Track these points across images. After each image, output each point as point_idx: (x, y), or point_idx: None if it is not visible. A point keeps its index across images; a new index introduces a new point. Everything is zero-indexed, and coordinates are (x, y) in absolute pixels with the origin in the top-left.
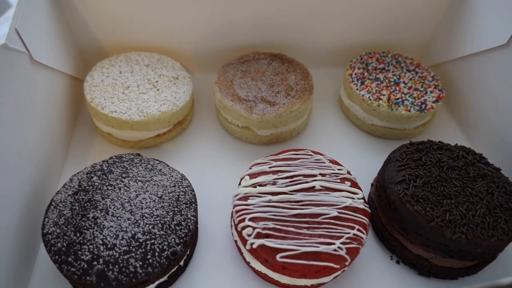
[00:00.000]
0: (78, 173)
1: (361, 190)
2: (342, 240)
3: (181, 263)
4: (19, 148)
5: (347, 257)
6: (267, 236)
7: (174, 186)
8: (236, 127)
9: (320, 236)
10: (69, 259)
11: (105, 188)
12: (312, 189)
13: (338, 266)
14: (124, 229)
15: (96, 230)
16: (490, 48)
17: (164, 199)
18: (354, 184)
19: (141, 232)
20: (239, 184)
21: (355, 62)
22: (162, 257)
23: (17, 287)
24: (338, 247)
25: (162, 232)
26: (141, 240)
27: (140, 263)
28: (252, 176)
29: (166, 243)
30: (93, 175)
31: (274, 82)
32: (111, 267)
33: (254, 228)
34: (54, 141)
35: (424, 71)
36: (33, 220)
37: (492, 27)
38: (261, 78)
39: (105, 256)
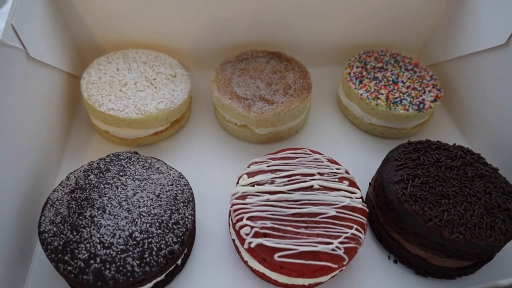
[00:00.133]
0: (75, 171)
1: (359, 189)
2: (340, 239)
3: (179, 262)
4: (15, 146)
5: (345, 256)
6: (265, 235)
7: (172, 184)
8: (234, 126)
9: (318, 235)
10: (66, 257)
11: (102, 186)
12: (310, 188)
13: (336, 266)
14: (121, 227)
15: (93, 229)
16: (488, 48)
17: (161, 197)
18: (352, 184)
19: (139, 230)
20: (237, 183)
21: (354, 61)
22: (160, 256)
23: (14, 285)
24: (336, 247)
25: (159, 231)
26: (138, 239)
27: (138, 262)
28: (250, 175)
29: (163, 242)
30: (90, 173)
31: (273, 81)
32: (108, 266)
33: (252, 227)
34: (50, 139)
35: (422, 71)
36: (30, 218)
37: (490, 27)
38: (259, 76)
39: (102, 255)
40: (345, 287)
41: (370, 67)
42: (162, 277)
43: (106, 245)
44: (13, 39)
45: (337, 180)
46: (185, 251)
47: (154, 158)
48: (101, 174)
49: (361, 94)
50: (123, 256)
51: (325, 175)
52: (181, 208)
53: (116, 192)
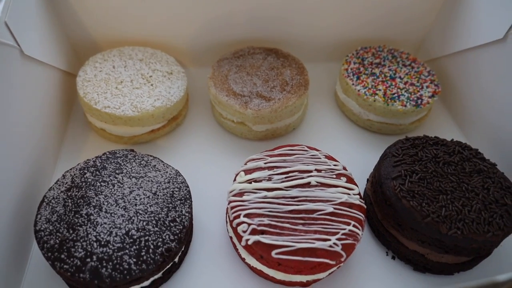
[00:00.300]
0: (71, 169)
1: (356, 185)
2: (338, 236)
3: (176, 259)
4: (10, 144)
5: (343, 253)
6: (262, 232)
7: (169, 182)
8: (231, 123)
9: (315, 232)
10: (62, 256)
11: (98, 184)
12: (307, 185)
13: (333, 262)
14: (118, 225)
15: (90, 227)
16: (486, 42)
17: (158, 195)
18: (350, 180)
19: (135, 228)
20: (234, 180)
21: (351, 57)
22: (157, 254)
23: (10, 284)
24: (334, 243)
25: (156, 229)
26: (135, 237)
27: (134, 260)
28: (247, 172)
29: (160, 239)
30: (86, 171)
31: (270, 77)
32: (104, 264)
33: (249, 224)
34: (46, 137)
35: (420, 66)
36: (26, 217)
37: (488, 21)
38: (256, 73)
39: (98, 253)
40: (343, 283)
41: (368, 63)
42: (159, 275)
43: (102, 243)
44: (7, 36)
45: (334, 176)
46: (182, 249)
47: (151, 156)
48: (97, 172)
49: (358, 90)
50: (119, 254)
51: (322, 171)
52: (178, 205)
53: (113, 190)
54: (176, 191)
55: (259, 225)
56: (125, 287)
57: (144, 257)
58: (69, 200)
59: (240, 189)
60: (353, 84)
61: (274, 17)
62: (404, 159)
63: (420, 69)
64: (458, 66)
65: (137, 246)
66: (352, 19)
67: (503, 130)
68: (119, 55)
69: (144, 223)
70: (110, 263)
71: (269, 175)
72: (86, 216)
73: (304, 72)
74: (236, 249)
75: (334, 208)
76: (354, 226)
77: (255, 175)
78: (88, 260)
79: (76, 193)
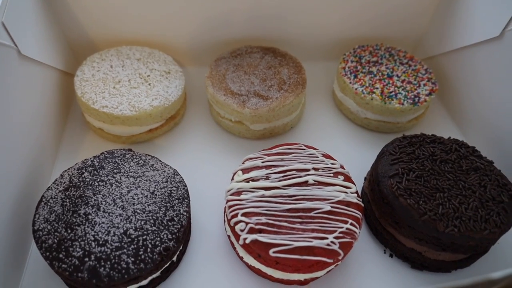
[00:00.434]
0: (69, 169)
1: (354, 184)
2: (335, 234)
3: (174, 258)
4: (8, 144)
5: (340, 251)
6: (260, 231)
7: (167, 181)
8: (229, 122)
9: (313, 230)
10: (60, 255)
11: (96, 184)
12: (305, 183)
13: (331, 261)
14: (116, 225)
15: (88, 226)
16: (482, 40)
17: (156, 194)
18: (347, 178)
19: (133, 228)
20: (232, 179)
21: (348, 56)
22: (155, 253)
23: (9, 283)
24: (331, 242)
25: (154, 228)
26: (133, 236)
27: (132, 259)
28: (245, 171)
29: (158, 239)
30: (84, 171)
31: (267, 76)
32: (103, 264)
33: (247, 223)
34: (44, 137)
35: (417, 64)
36: (24, 216)
37: (484, 19)
38: (253, 72)
39: (96, 253)
40: (341, 281)
41: (365, 62)
42: (158, 274)
43: (100, 242)
44: (4, 36)
45: (332, 175)
46: (181, 248)
47: (149, 155)
48: (95, 172)
49: (356, 89)
50: (117, 253)
51: (320, 170)
52: (176, 205)
53: (111, 189)
54: (174, 190)
55: (256, 224)
56: (123, 286)
57: (142, 256)
58: (67, 200)
59: (237, 188)
60: (350, 82)
61: (272, 16)
62: (401, 157)
63: (417, 67)
64: (455, 64)
65: (135, 245)
66: (349, 17)
67: (500, 127)
68: (117, 54)
69: (142, 223)
70: (108, 263)
71: (267, 174)
72: (84, 216)
73: (302, 71)
74: (234, 248)
75: (332, 207)
76: (351, 224)
77: (252, 174)
78: (86, 259)
79: (74, 193)
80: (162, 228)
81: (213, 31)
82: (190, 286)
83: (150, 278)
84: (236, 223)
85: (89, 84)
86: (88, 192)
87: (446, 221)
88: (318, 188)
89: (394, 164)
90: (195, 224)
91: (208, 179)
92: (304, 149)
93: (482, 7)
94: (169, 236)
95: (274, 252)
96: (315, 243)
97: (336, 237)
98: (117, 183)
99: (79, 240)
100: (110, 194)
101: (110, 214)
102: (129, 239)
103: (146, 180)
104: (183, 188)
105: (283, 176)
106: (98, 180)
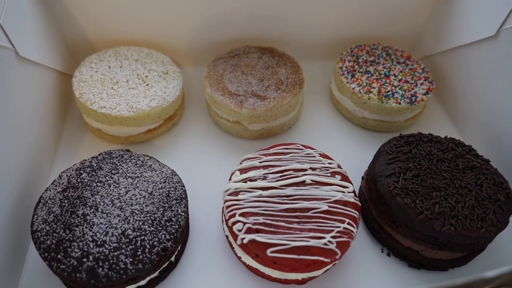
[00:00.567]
0: (67, 169)
1: (351, 183)
2: (333, 234)
3: (172, 258)
4: (6, 146)
5: (338, 251)
6: (257, 231)
7: (164, 182)
8: (226, 122)
9: (310, 230)
10: (59, 256)
11: (94, 184)
12: (302, 183)
13: (328, 260)
14: (114, 225)
15: (86, 227)
16: (479, 39)
17: (154, 195)
18: (345, 178)
19: (131, 228)
20: (230, 179)
21: (346, 55)
22: (153, 253)
23: (8, 284)
24: (329, 241)
25: (152, 228)
26: (131, 237)
27: (130, 259)
28: (242, 171)
29: (156, 239)
30: (82, 172)
31: (265, 76)
32: (101, 264)
33: (244, 223)
34: (42, 138)
35: (414, 63)
36: (23, 217)
37: (480, 18)
38: (251, 72)
39: (95, 253)
40: (339, 280)
41: (362, 61)
42: (156, 274)
43: (99, 243)
44: (2, 38)
45: (329, 174)
46: (179, 248)
47: (147, 156)
48: (93, 173)
49: (353, 88)
50: (116, 254)
51: (317, 170)
52: (174, 205)
53: (109, 190)
54: (172, 191)
55: (254, 223)
56: (121, 287)
57: (140, 257)
58: (66, 201)
59: (235, 188)
60: (347, 82)
61: (269, 16)
62: (398, 156)
63: (414, 67)
64: (452, 63)
65: (133, 246)
66: (346, 17)
67: (497, 126)
68: (115, 55)
69: (140, 223)
70: (107, 263)
71: (264, 174)
72: (82, 217)
73: (299, 71)
74: (232, 248)
75: (329, 206)
76: (348, 224)
77: (250, 174)
78: (85, 260)
79: (73, 194)
80: (160, 228)
81: (211, 32)
82: (188, 286)
83: (148, 278)
84: (234, 223)
85: (87, 85)
86: (86, 193)
87: (443, 220)
88: (315, 188)
89: (391, 163)
90: (193, 224)
91: (206, 179)
92: (302, 149)
93: (477, 7)
94: (167, 237)
95: (271, 252)
96: (313, 242)
97: (333, 237)
98: (115, 184)
99: (78, 240)
100: (108, 194)
101: (108, 215)
102: (127, 240)
103: (144, 181)
104: (181, 189)
105: (280, 176)
106: (96, 181)
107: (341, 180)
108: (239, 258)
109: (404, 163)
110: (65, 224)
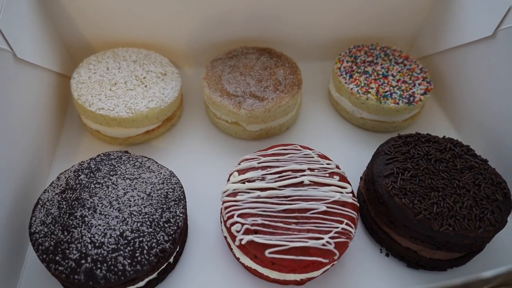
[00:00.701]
0: (65, 171)
1: (349, 184)
2: (331, 234)
3: (171, 260)
4: (4, 147)
5: (336, 251)
6: (255, 232)
7: (163, 183)
8: (225, 123)
9: (308, 231)
10: (57, 258)
11: (92, 186)
12: (300, 184)
13: (327, 261)
14: (112, 227)
15: (84, 229)
16: (476, 39)
17: (152, 196)
18: (343, 178)
19: (130, 230)
20: (228, 180)
21: (344, 56)
22: (151, 255)
23: (6, 286)
24: (327, 242)
25: (150, 230)
26: (129, 238)
27: (129, 261)
28: (240, 172)
29: (154, 240)
30: (80, 173)
31: (263, 77)
32: (99, 266)
33: (242, 224)
34: (41, 139)
35: (412, 64)
36: (21, 219)
37: (478, 19)
38: (249, 73)
39: (93, 255)
40: (337, 281)
41: (360, 61)
42: (155, 275)
43: (97, 244)
44: None
45: (327, 175)
46: (177, 249)
47: (145, 157)
48: (91, 174)
49: (351, 89)
50: (114, 255)
51: (315, 170)
52: (172, 206)
53: (107, 191)
54: (170, 192)
55: (252, 224)
56: None
57: (139, 258)
58: (64, 202)
59: (233, 189)
60: (346, 82)
61: (267, 16)
62: (396, 156)
63: (413, 67)
64: (450, 63)
65: (132, 247)
66: (344, 17)
67: (495, 126)
68: (113, 56)
69: (139, 224)
70: (105, 265)
71: (263, 175)
72: (80, 218)
73: (297, 72)
74: (231, 249)
75: (327, 207)
76: (347, 224)
77: (248, 175)
78: (83, 261)
79: (71, 195)
80: (159, 229)
81: (209, 32)
82: (187, 287)
83: (147, 279)
84: (232, 224)
85: (85, 86)
86: (84, 194)
87: (441, 220)
88: (313, 189)
89: (389, 163)
90: (191, 225)
91: (204, 180)
92: (300, 150)
93: (475, 7)
94: (166, 238)
95: (269, 253)
96: (311, 243)
97: (331, 237)
98: (113, 185)
99: (76, 242)
100: (107, 196)
101: (107, 216)
102: (126, 241)
103: (143, 182)
104: (180, 190)
105: (278, 177)
106: (95, 182)
107: (339, 180)
108: (238, 259)
109: (402, 163)
110: (63, 225)
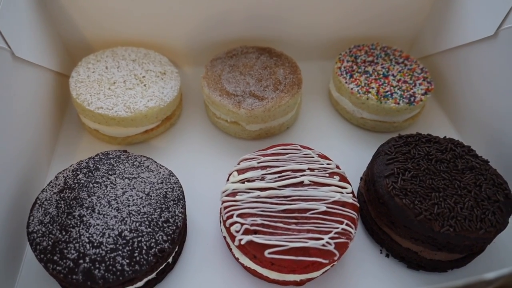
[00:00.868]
0: (63, 170)
1: (350, 184)
2: (331, 235)
3: (170, 260)
4: (2, 146)
5: (336, 252)
6: (255, 232)
7: (162, 182)
8: (224, 122)
9: (308, 231)
10: (55, 257)
11: (91, 185)
12: (300, 184)
13: (326, 261)
14: (111, 227)
15: (82, 228)
16: (477, 39)
17: (151, 196)
18: (343, 178)
19: (128, 229)
20: (227, 180)
21: (344, 55)
22: (150, 255)
23: (4, 286)
24: (327, 242)
25: (149, 230)
26: (128, 238)
27: (127, 261)
28: (240, 171)
29: (153, 240)
30: (79, 173)
31: (263, 76)
32: (97, 266)
33: (242, 224)
34: (39, 139)
35: (413, 63)
36: (19, 218)
37: (479, 18)
38: (249, 72)
39: (91, 255)
40: (337, 282)
41: (361, 61)
42: (153, 275)
43: (95, 244)
44: None
45: (327, 175)
46: (176, 249)
47: (144, 157)
48: (90, 173)
49: (351, 89)
50: (112, 255)
51: (315, 170)
52: (171, 206)
53: (105, 191)
54: (169, 192)
55: (252, 225)
56: None
57: (137, 258)
58: (62, 202)
59: (233, 189)
60: (346, 82)
61: (268, 16)
62: (397, 157)
63: (413, 67)
64: (451, 63)
65: (130, 247)
66: (345, 17)
67: (496, 126)
68: (112, 55)
69: (137, 224)
70: (103, 264)
71: (262, 174)
72: (78, 218)
73: (297, 71)
74: (230, 249)
75: (327, 207)
76: (347, 224)
77: (248, 174)
78: (81, 261)
79: (69, 195)
80: (157, 229)
81: (209, 32)
82: (186, 287)
83: (145, 279)
84: (232, 224)
85: (84, 86)
86: (82, 194)
87: (442, 221)
88: (313, 189)
89: (390, 164)
90: (191, 225)
91: (204, 180)
92: (300, 150)
93: (476, 6)
94: (164, 238)
95: (269, 253)
96: (311, 243)
97: (331, 238)
98: (112, 185)
99: (74, 242)
100: (105, 195)
101: (105, 216)
102: (124, 241)
103: (141, 182)
104: (179, 189)
105: (278, 177)
106: (93, 182)
107: (339, 180)
108: (237, 259)
109: (402, 164)
110: (61, 225)
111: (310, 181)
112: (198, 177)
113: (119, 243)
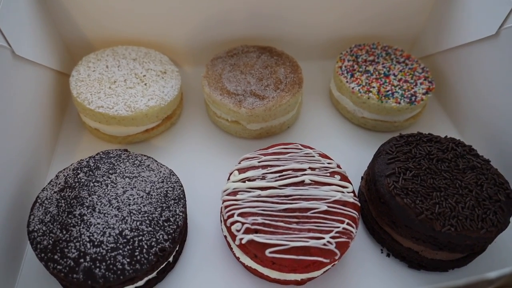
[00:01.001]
0: (64, 169)
1: (351, 183)
2: (332, 234)
3: (170, 259)
4: (3, 145)
5: (337, 251)
6: (256, 231)
7: (162, 181)
8: (225, 122)
9: (309, 230)
10: (56, 256)
11: (91, 184)
12: (301, 183)
13: (327, 261)
14: (111, 226)
15: (83, 227)
16: (479, 39)
17: (152, 195)
18: (344, 178)
19: (129, 228)
20: (228, 179)
21: (345, 55)
22: (150, 254)
23: (4, 284)
24: (328, 242)
25: (150, 229)
26: (128, 237)
27: (128, 260)
28: (241, 171)
29: (154, 239)
30: (79, 172)
31: (263, 76)
32: (98, 265)
33: (243, 223)
34: (40, 138)
35: (414, 63)
36: (19, 217)
37: (480, 18)
38: (250, 71)
39: (92, 253)
40: (338, 281)
41: (362, 61)
42: (154, 274)
43: (96, 243)
44: None
45: (328, 174)
46: (177, 248)
47: (145, 156)
48: (90, 172)
49: (352, 88)
50: (113, 254)
51: (316, 169)
52: (172, 205)
53: (106, 190)
54: (170, 191)
55: (252, 224)
56: (119, 287)
57: (138, 257)
58: (62, 201)
59: (234, 188)
60: (347, 81)
61: (268, 15)
62: (398, 156)
63: (414, 66)
64: (452, 63)
65: (131, 246)
66: (346, 16)
67: (497, 126)
68: (113, 54)
69: (138, 223)
70: (104, 263)
71: (263, 173)
72: (79, 217)
73: (298, 70)
74: (231, 248)
75: (328, 206)
76: (348, 224)
77: (249, 174)
78: (82, 260)
79: (70, 194)
80: (158, 228)
81: (210, 31)
82: (186, 286)
83: (146, 278)
84: (232, 223)
85: (84, 84)
86: (83, 193)
87: (443, 220)
88: (314, 188)
89: (391, 163)
90: (191, 224)
91: (204, 179)
92: (301, 149)
93: (478, 6)
94: (165, 237)
95: (270, 253)
96: (312, 243)
97: (332, 237)
98: (112, 184)
99: (74, 241)
100: (106, 194)
101: (106, 215)
102: (125, 240)
103: (142, 181)
104: (179, 189)
105: (279, 176)
106: (94, 180)
107: (340, 180)
108: (238, 258)
109: (404, 163)
110: (62, 224)
111: (311, 180)
112: (199, 176)
113: (119, 242)
